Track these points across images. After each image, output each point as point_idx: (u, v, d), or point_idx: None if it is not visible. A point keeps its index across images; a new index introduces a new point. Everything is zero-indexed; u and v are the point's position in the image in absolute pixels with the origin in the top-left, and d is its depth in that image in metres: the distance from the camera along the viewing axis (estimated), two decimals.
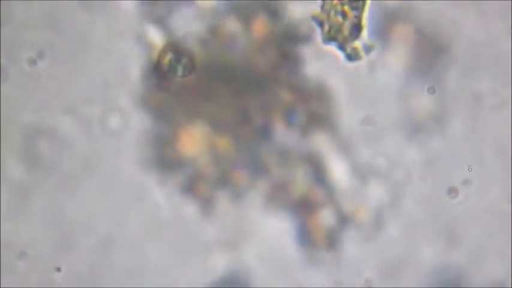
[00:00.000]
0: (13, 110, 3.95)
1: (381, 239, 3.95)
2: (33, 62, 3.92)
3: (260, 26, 3.87)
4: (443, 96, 3.96)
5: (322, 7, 3.85)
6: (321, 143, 3.92)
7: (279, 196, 3.92)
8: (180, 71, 3.86)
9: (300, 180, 3.92)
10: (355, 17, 3.81)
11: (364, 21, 3.86)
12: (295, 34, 3.89)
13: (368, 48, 3.85)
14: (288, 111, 3.90)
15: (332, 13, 3.82)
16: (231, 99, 3.88)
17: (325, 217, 3.94)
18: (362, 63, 3.91)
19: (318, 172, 3.93)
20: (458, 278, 3.97)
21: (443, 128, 3.96)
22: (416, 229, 3.96)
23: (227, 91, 3.88)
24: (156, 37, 3.93)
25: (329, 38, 3.84)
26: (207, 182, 3.91)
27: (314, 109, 3.91)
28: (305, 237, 3.94)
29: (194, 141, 3.89)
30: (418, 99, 3.95)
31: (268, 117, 3.90)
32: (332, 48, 3.87)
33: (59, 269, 3.91)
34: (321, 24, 3.85)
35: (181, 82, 3.89)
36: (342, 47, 3.84)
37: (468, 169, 3.94)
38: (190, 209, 3.93)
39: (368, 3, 3.83)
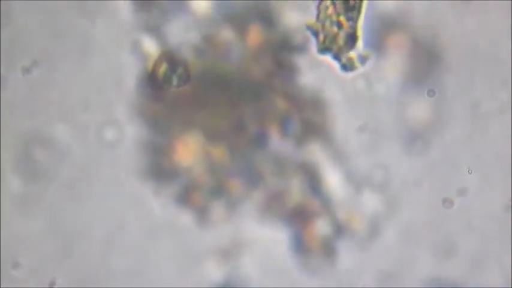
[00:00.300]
0: (11, 118, 3.95)
1: (377, 247, 3.95)
2: (30, 69, 3.92)
3: (255, 35, 3.86)
4: (441, 102, 3.94)
5: (317, 17, 3.82)
6: (316, 152, 3.91)
7: (275, 205, 3.91)
8: (175, 81, 3.85)
9: (296, 190, 3.91)
10: (350, 27, 3.79)
11: (359, 32, 3.83)
12: (290, 43, 3.87)
13: (363, 59, 3.83)
14: (283, 120, 3.89)
15: (327, 23, 3.79)
16: (226, 108, 3.87)
17: (321, 226, 3.94)
18: (358, 71, 3.89)
19: (314, 181, 3.91)
20: (456, 286, 3.98)
21: (441, 135, 3.94)
22: (413, 237, 3.95)
23: (222, 100, 3.87)
24: (151, 46, 3.92)
25: (324, 48, 3.81)
26: (203, 191, 3.90)
27: (309, 118, 3.89)
28: (301, 246, 3.94)
29: (189, 150, 3.89)
30: (415, 106, 3.93)
31: (264, 126, 3.89)
32: (327, 58, 3.86)
33: (53, 283, 3.94)
34: (316, 34, 3.82)
35: (176, 92, 3.89)
36: (337, 57, 3.81)
37: (468, 171, 3.93)
38: (186, 218, 3.92)
39: (363, 13, 3.80)
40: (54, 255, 3.97)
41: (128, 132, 3.92)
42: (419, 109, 3.92)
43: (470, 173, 3.92)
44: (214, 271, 3.94)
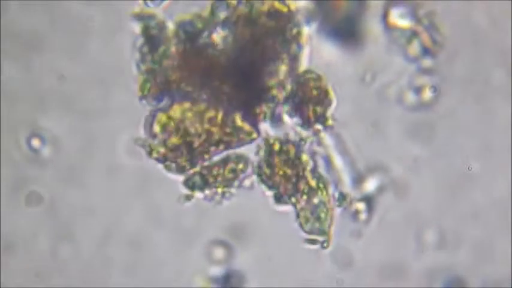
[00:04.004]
0: (11, 106, 3.91)
1: (382, 235, 3.92)
2: (29, 57, 3.90)
3: None
4: (450, 88, 3.91)
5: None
6: (324, 139, 3.86)
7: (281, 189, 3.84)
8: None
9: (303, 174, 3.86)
10: None
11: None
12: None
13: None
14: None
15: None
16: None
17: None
18: (365, 58, 3.89)
19: (321, 167, 3.85)
20: (460, 277, 3.95)
21: (448, 122, 3.93)
22: (417, 226, 3.94)
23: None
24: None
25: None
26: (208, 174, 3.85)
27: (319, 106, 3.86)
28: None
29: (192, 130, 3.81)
30: (423, 93, 3.91)
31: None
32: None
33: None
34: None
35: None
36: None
37: (468, 168, 3.91)
38: (190, 203, 3.87)
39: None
40: (56, 240, 3.95)
41: (130, 115, 3.86)
42: (429, 95, 3.91)
43: (471, 170, 3.91)
44: (219, 255, 3.95)
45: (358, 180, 3.88)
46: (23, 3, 3.92)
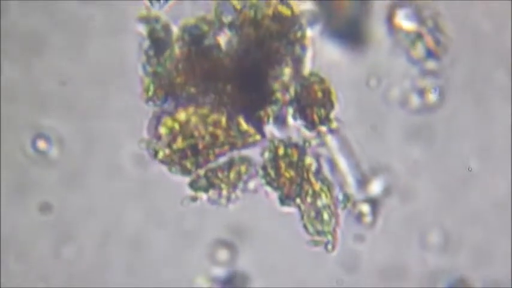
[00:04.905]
0: (12, 107, 3.89)
1: (384, 237, 3.94)
2: (29, 58, 3.88)
3: None
4: (451, 90, 3.92)
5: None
6: (328, 141, 3.87)
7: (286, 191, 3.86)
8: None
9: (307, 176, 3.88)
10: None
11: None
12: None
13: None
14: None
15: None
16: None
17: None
18: (368, 61, 3.90)
19: (325, 169, 3.87)
20: (460, 278, 3.97)
21: (449, 123, 3.94)
22: (418, 227, 3.95)
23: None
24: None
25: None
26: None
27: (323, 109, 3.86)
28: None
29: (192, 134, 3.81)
30: (427, 96, 3.93)
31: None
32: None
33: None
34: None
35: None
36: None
37: (468, 169, 3.93)
38: (194, 204, 3.87)
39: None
40: (56, 242, 3.94)
41: (130, 118, 3.86)
42: (430, 97, 3.92)
43: (471, 171, 3.92)
44: (222, 256, 3.95)
45: (362, 182, 3.90)
46: (23, 3, 3.90)
